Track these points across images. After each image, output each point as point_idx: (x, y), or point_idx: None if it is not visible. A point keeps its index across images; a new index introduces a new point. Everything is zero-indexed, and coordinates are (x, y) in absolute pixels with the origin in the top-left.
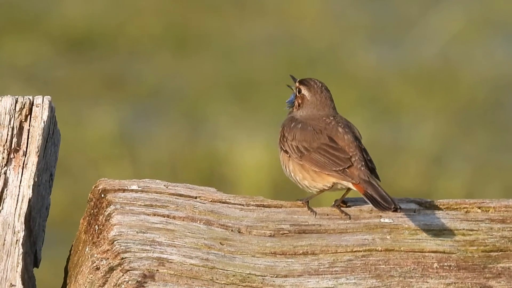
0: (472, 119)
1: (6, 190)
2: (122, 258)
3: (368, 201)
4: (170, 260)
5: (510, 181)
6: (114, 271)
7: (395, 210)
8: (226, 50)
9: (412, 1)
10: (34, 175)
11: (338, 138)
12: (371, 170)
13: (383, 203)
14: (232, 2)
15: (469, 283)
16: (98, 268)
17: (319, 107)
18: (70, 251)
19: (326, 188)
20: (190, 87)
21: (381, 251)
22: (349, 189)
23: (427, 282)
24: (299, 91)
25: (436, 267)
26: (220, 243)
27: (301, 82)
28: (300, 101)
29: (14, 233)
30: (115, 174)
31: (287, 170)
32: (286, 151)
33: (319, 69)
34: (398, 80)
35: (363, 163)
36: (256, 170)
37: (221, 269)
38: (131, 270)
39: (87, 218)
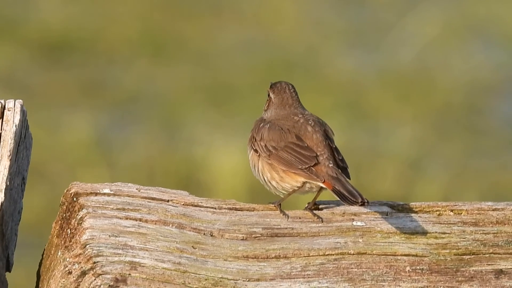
0: (449, 124)
1: None
2: (94, 262)
3: (336, 196)
4: (142, 264)
5: (486, 185)
6: (86, 275)
7: (362, 204)
8: (203, 55)
9: (389, 6)
10: (6, 179)
11: (307, 137)
12: (342, 169)
13: (350, 197)
14: (210, 8)
15: (441, 287)
16: (70, 272)
17: (281, 106)
18: (42, 255)
19: (296, 189)
20: (168, 93)
21: (354, 254)
22: (320, 191)
23: (399, 285)
24: (268, 95)
25: (408, 270)
26: (193, 246)
27: (270, 86)
28: (267, 104)
29: None
30: (92, 180)
31: (256, 170)
32: (256, 150)
33: (297, 74)
34: (376, 85)
35: (331, 161)
36: (233, 174)
37: (194, 273)
38: (103, 274)
39: (60, 222)
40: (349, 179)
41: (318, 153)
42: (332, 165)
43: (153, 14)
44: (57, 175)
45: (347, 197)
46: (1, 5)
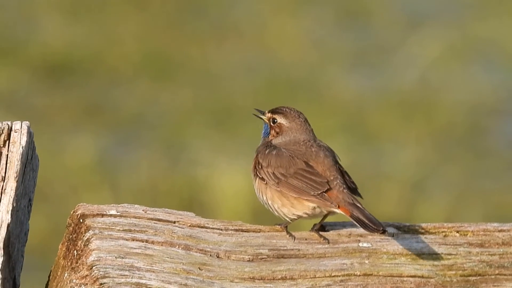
0: (452, 145)
1: None
2: (101, 284)
3: (355, 223)
4: (148, 285)
5: (490, 206)
6: None
7: (383, 232)
8: (205, 77)
9: (392, 28)
10: (13, 201)
11: (318, 162)
12: (353, 190)
13: (371, 225)
14: (212, 29)
15: None
16: None
17: (300, 131)
18: (48, 277)
19: (305, 216)
20: (170, 114)
21: (360, 275)
22: (328, 214)
23: None
24: (274, 121)
25: None
26: (199, 268)
27: (274, 111)
28: (278, 130)
29: None
30: (95, 201)
31: (264, 198)
32: (262, 178)
33: (299, 95)
34: (379, 106)
35: (345, 186)
36: (236, 196)
37: None
38: None
39: (66, 243)
40: (362, 198)
41: (332, 178)
42: (346, 190)
43: (155, 35)
44: (61, 197)
45: (367, 224)
46: (2, 26)
